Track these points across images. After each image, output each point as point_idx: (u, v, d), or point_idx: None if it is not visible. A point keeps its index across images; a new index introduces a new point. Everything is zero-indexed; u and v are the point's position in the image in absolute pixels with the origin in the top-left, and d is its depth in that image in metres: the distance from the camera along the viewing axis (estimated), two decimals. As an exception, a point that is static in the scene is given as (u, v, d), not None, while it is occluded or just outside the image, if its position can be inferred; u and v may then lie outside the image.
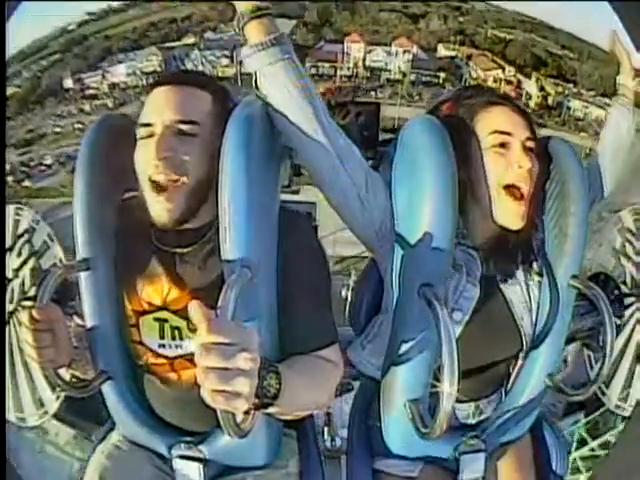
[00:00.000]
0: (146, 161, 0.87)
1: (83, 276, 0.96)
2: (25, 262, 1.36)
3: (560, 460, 1.16)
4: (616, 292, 1.41)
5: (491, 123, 0.99)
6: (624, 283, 1.42)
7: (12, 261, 1.36)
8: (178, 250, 0.93)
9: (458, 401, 0.87)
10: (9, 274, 1.35)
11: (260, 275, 0.85)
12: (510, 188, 0.97)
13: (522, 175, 0.97)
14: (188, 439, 1.00)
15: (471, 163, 0.98)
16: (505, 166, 0.97)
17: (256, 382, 0.64)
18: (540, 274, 1.06)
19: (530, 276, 1.06)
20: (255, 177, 0.86)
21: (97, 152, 0.97)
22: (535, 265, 1.07)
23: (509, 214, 0.98)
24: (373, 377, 1.12)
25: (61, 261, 1.35)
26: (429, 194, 0.92)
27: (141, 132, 0.90)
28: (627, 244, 1.45)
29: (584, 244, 1.04)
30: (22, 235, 1.37)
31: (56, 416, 1.38)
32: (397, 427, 1.04)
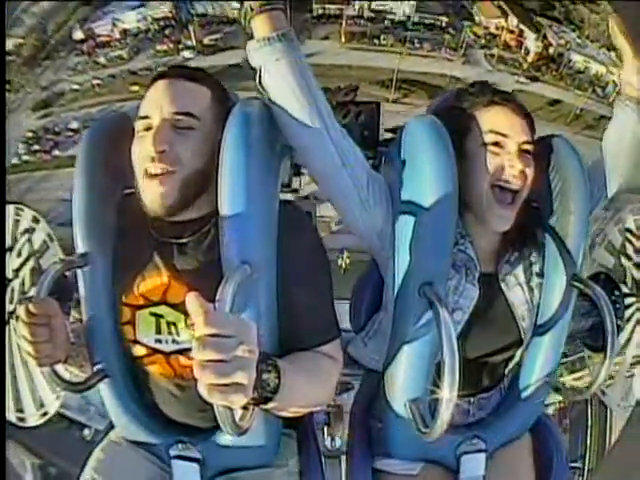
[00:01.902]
0: (143, 153, 0.88)
1: (81, 272, 0.96)
2: (25, 262, 1.36)
3: (560, 460, 1.16)
4: (616, 292, 1.41)
5: (489, 122, 0.99)
6: (624, 283, 1.42)
7: (12, 261, 1.36)
8: (176, 241, 0.93)
9: (457, 396, 0.87)
10: (9, 274, 1.34)
11: (260, 270, 0.85)
12: (500, 189, 0.98)
13: (514, 176, 0.98)
14: (186, 439, 0.99)
15: (467, 159, 0.99)
16: (498, 166, 0.98)
17: (254, 375, 0.63)
18: (540, 275, 1.07)
19: (531, 276, 1.06)
20: (255, 173, 0.86)
21: (97, 149, 0.98)
22: (535, 266, 1.07)
23: (495, 217, 1.00)
24: (377, 370, 1.11)
25: (61, 259, 1.35)
26: (429, 194, 0.92)
27: (139, 125, 0.90)
28: (627, 244, 1.45)
29: (585, 243, 1.04)
30: (22, 235, 1.37)
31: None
32: (397, 427, 1.04)
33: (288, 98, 0.89)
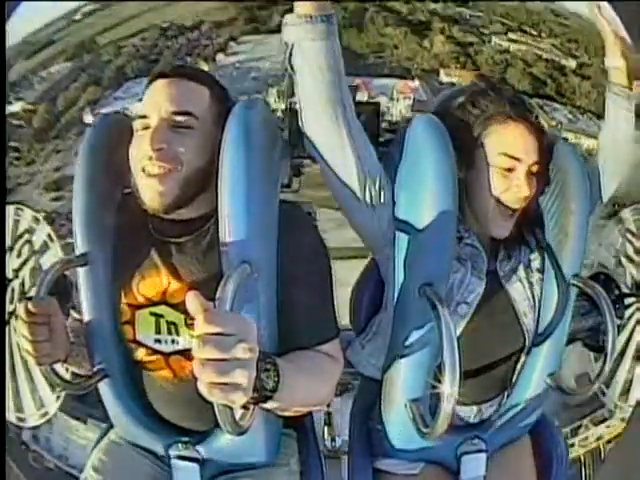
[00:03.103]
0: (141, 152, 0.88)
1: (81, 271, 0.96)
2: (25, 262, 1.36)
3: (560, 460, 1.16)
4: (616, 292, 1.41)
5: (503, 143, 0.97)
6: (624, 283, 1.42)
7: (12, 261, 1.36)
8: (175, 240, 0.93)
9: (460, 404, 0.87)
10: (9, 274, 1.35)
11: (260, 270, 0.85)
12: (502, 205, 0.99)
13: (518, 199, 0.98)
14: (186, 439, 0.99)
15: (473, 170, 0.99)
16: (505, 187, 0.98)
17: (254, 374, 0.63)
18: (540, 271, 1.07)
19: (531, 273, 1.07)
20: (255, 172, 0.86)
21: (97, 150, 0.98)
22: (535, 262, 1.07)
23: (495, 227, 1.01)
24: (373, 378, 1.11)
25: (60, 259, 1.35)
26: (430, 193, 0.92)
27: (138, 124, 0.90)
28: (627, 244, 1.45)
29: (585, 243, 1.05)
30: (22, 235, 1.37)
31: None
32: (398, 427, 1.04)
33: (316, 81, 0.86)
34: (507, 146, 0.97)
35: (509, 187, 0.98)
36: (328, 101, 0.88)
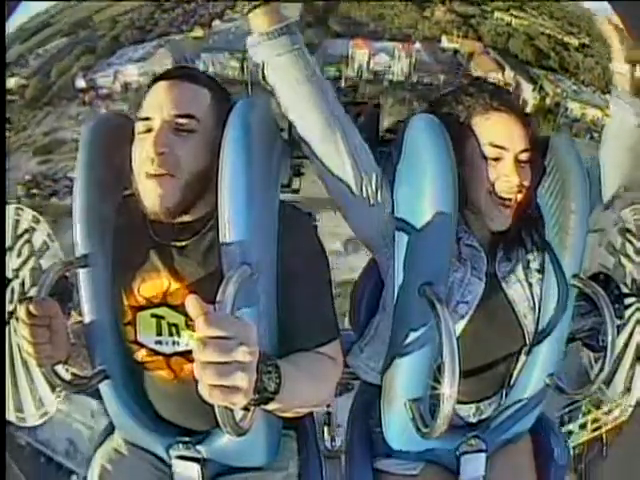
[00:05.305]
0: (143, 155, 0.87)
1: (82, 272, 0.96)
2: (25, 262, 1.36)
3: (561, 459, 1.16)
4: (616, 292, 1.41)
5: (487, 133, 0.99)
6: (624, 283, 1.42)
7: (12, 261, 1.36)
8: (176, 243, 0.93)
9: (459, 402, 0.87)
10: (9, 274, 1.34)
11: (260, 271, 0.85)
12: (497, 196, 0.99)
13: (510, 188, 0.98)
14: (186, 439, 0.99)
15: (466, 165, 0.99)
16: (495, 177, 0.98)
17: (255, 377, 0.64)
18: (540, 271, 1.07)
19: (530, 274, 1.07)
20: (255, 174, 0.86)
21: (96, 150, 0.98)
22: (534, 263, 1.07)
23: (493, 218, 1.00)
24: (372, 383, 1.11)
25: (61, 259, 1.35)
26: (429, 193, 0.92)
27: (139, 127, 0.90)
28: (627, 244, 1.45)
29: (585, 243, 1.04)
30: (22, 235, 1.37)
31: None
32: (397, 427, 1.04)
33: (294, 93, 0.88)
34: (492, 136, 0.98)
35: (499, 176, 0.98)
36: (313, 108, 0.89)
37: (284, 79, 0.87)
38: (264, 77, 0.89)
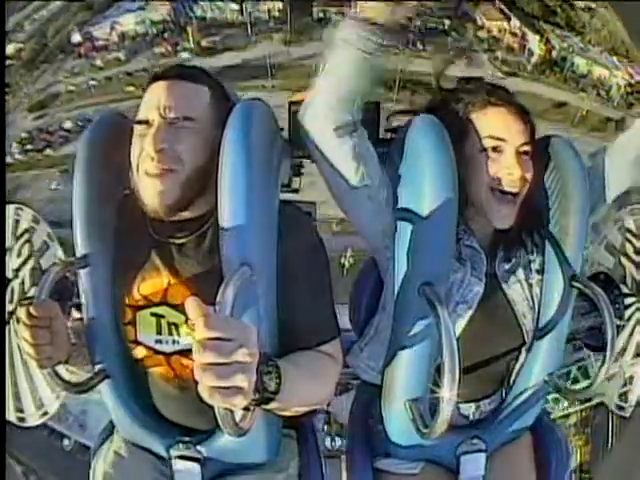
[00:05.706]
0: (142, 153, 0.88)
1: (82, 272, 0.96)
2: (25, 262, 1.36)
3: (561, 459, 1.16)
4: (616, 292, 1.41)
5: (486, 126, 0.99)
6: (624, 283, 1.42)
7: (12, 261, 1.36)
8: (175, 240, 0.93)
9: (459, 401, 0.87)
10: (9, 274, 1.34)
11: (260, 271, 0.85)
12: (499, 192, 0.99)
13: (512, 181, 0.98)
14: (186, 439, 0.99)
15: (466, 162, 0.99)
16: (496, 170, 0.98)
17: (254, 378, 0.64)
18: (540, 271, 1.07)
19: (530, 274, 1.07)
20: (255, 173, 0.86)
21: (96, 150, 0.98)
22: (534, 263, 1.07)
23: (497, 215, 1.00)
24: (372, 383, 1.12)
25: (61, 259, 1.35)
26: (429, 193, 0.92)
27: (138, 126, 0.90)
28: (627, 244, 1.45)
29: (585, 243, 1.05)
30: (22, 235, 1.36)
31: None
32: (398, 426, 1.04)
33: (336, 82, 0.87)
34: (490, 129, 0.99)
35: (500, 169, 0.98)
36: (340, 97, 0.87)
37: (340, 64, 0.86)
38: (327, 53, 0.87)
